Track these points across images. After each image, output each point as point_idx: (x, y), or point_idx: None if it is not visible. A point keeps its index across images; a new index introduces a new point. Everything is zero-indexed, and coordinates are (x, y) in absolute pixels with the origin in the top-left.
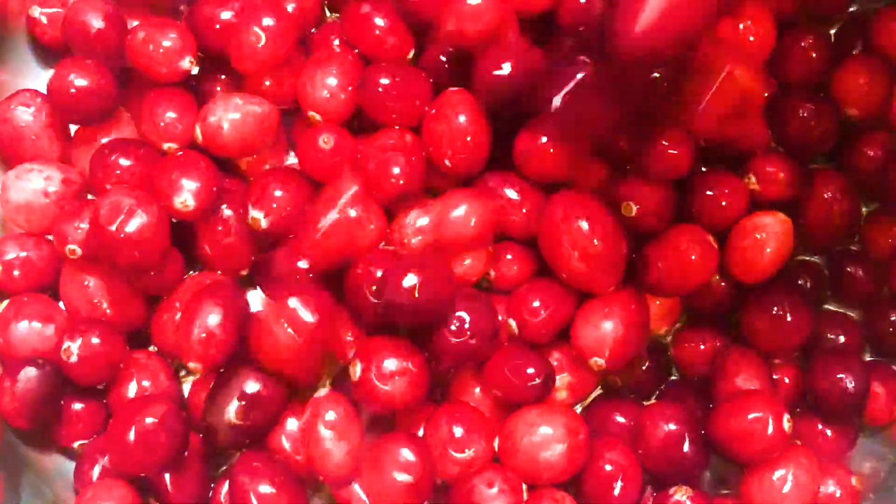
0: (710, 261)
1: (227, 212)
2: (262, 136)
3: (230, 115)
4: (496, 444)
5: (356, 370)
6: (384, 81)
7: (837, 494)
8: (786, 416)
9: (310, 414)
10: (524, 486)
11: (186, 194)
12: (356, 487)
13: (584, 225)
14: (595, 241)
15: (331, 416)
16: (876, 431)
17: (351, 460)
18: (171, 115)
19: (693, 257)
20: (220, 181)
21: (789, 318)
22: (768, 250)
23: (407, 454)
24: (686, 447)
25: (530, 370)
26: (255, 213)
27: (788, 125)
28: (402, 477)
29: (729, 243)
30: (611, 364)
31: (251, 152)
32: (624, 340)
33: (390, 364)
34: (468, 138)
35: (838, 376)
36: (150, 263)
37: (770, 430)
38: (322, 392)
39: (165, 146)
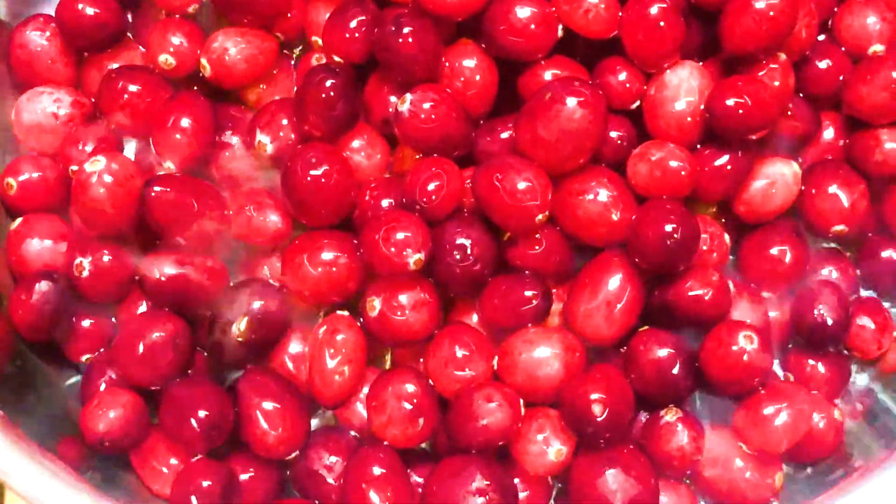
0: None
1: (233, 138)
2: (266, 62)
3: (232, 42)
4: (495, 363)
5: (375, 305)
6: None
7: (821, 425)
8: (753, 338)
9: (318, 334)
10: (522, 402)
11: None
12: (357, 405)
13: None
14: None
15: (339, 337)
16: (865, 365)
17: (352, 385)
18: (177, 39)
19: None
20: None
21: (786, 257)
22: (777, 199)
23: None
24: (676, 370)
25: (528, 292)
26: (262, 138)
27: None
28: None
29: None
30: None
31: (257, 79)
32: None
33: (408, 297)
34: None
35: (818, 306)
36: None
37: (746, 357)
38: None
39: (162, 58)
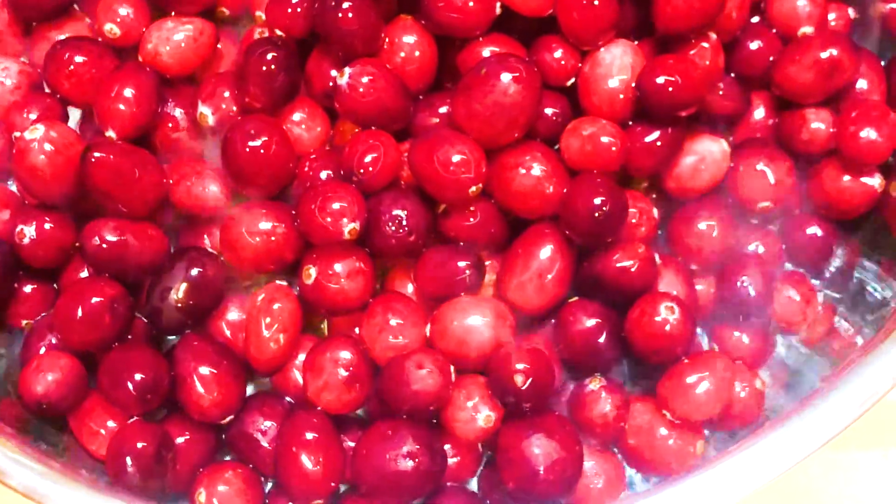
0: None
1: (176, 111)
2: (204, 51)
3: (165, 42)
4: (428, 330)
5: (311, 273)
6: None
7: (742, 395)
8: (674, 309)
9: (256, 303)
10: (452, 369)
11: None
12: (292, 372)
13: None
14: None
15: (276, 306)
16: (789, 336)
17: (286, 352)
18: (123, 10)
19: None
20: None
21: (713, 232)
22: (706, 175)
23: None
24: (603, 339)
25: (462, 262)
26: (204, 110)
27: None
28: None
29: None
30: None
31: (195, 67)
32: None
33: (343, 265)
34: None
35: (742, 278)
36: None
37: (668, 327)
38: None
39: (107, 27)
